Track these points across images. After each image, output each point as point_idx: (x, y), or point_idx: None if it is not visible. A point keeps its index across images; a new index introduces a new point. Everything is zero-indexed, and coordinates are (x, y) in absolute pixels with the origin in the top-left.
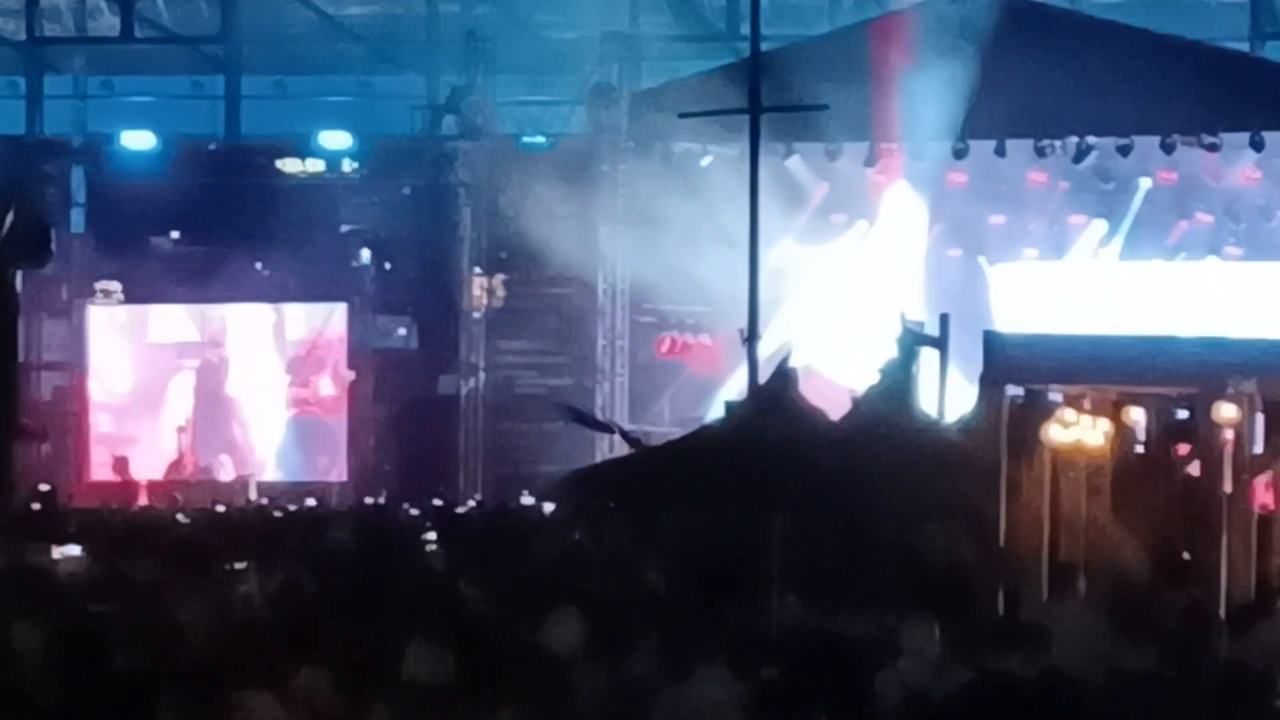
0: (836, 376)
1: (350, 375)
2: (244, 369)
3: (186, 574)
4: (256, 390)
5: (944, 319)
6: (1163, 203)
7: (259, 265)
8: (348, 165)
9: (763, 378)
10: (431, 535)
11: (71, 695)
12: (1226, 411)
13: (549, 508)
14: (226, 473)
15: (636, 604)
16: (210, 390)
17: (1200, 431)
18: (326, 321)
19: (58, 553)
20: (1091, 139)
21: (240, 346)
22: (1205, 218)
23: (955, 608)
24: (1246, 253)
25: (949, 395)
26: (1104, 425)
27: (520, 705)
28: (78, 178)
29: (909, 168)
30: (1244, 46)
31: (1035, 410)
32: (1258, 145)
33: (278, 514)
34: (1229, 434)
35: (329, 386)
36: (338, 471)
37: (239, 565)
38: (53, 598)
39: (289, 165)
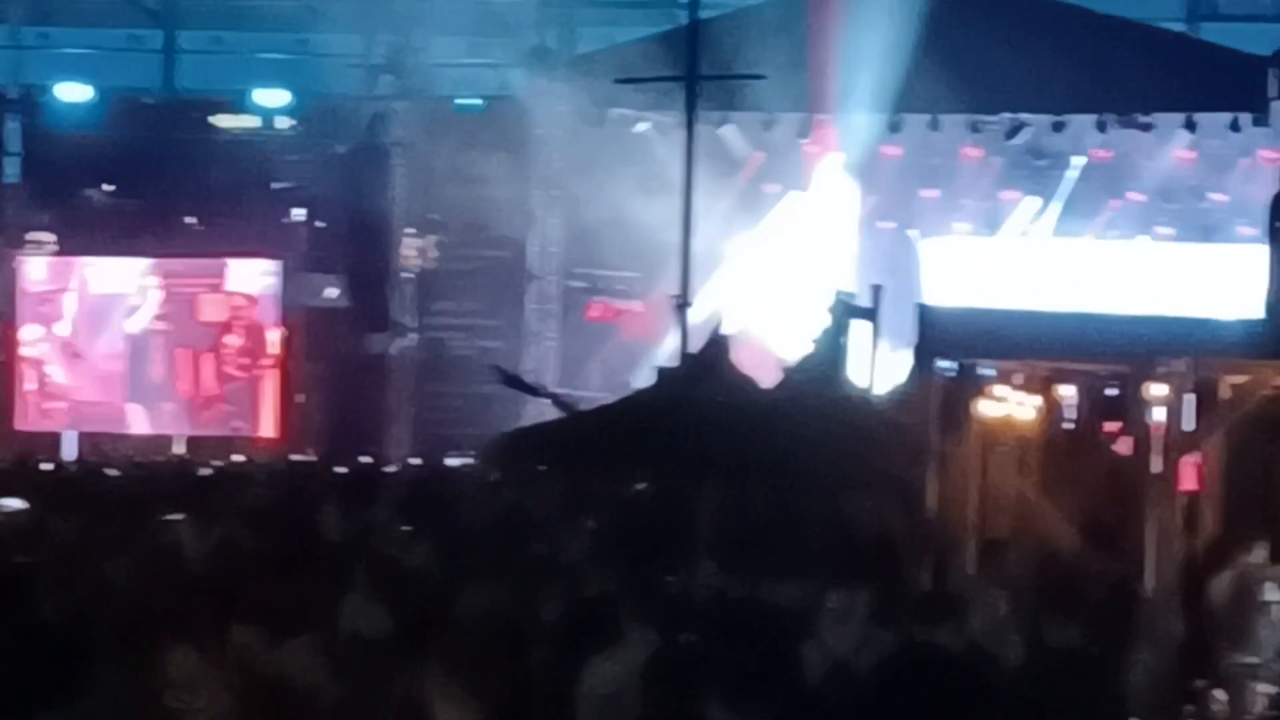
0: (768, 345)
1: (281, 332)
2: None
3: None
4: None
5: (876, 290)
6: (1096, 181)
7: (192, 220)
8: (283, 122)
9: (694, 345)
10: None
11: None
12: (1156, 390)
13: (472, 466)
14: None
15: (564, 568)
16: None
17: (1130, 409)
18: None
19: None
20: (1026, 116)
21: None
22: (1138, 197)
23: (882, 579)
24: (1178, 233)
25: (879, 367)
26: (1034, 401)
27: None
28: (13, 128)
29: (843, 140)
30: (1180, 27)
31: (967, 384)
32: (1191, 126)
33: (205, 471)
34: (1159, 412)
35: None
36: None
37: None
38: None
39: (224, 121)
